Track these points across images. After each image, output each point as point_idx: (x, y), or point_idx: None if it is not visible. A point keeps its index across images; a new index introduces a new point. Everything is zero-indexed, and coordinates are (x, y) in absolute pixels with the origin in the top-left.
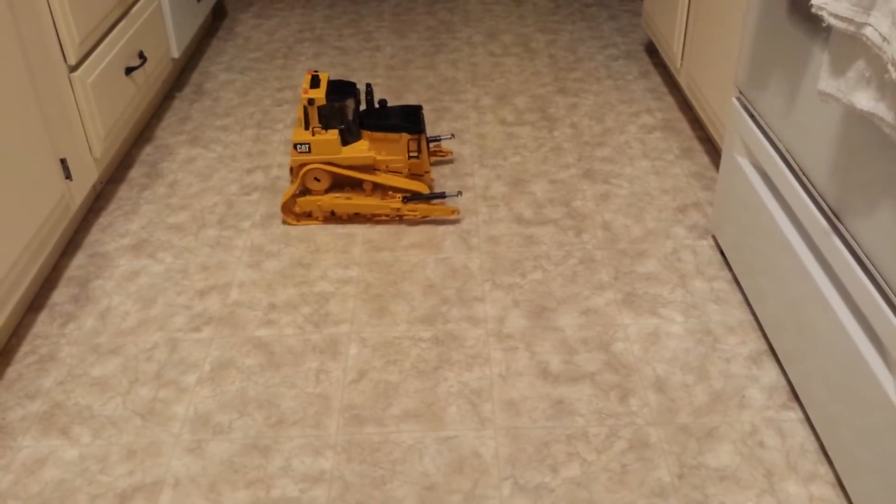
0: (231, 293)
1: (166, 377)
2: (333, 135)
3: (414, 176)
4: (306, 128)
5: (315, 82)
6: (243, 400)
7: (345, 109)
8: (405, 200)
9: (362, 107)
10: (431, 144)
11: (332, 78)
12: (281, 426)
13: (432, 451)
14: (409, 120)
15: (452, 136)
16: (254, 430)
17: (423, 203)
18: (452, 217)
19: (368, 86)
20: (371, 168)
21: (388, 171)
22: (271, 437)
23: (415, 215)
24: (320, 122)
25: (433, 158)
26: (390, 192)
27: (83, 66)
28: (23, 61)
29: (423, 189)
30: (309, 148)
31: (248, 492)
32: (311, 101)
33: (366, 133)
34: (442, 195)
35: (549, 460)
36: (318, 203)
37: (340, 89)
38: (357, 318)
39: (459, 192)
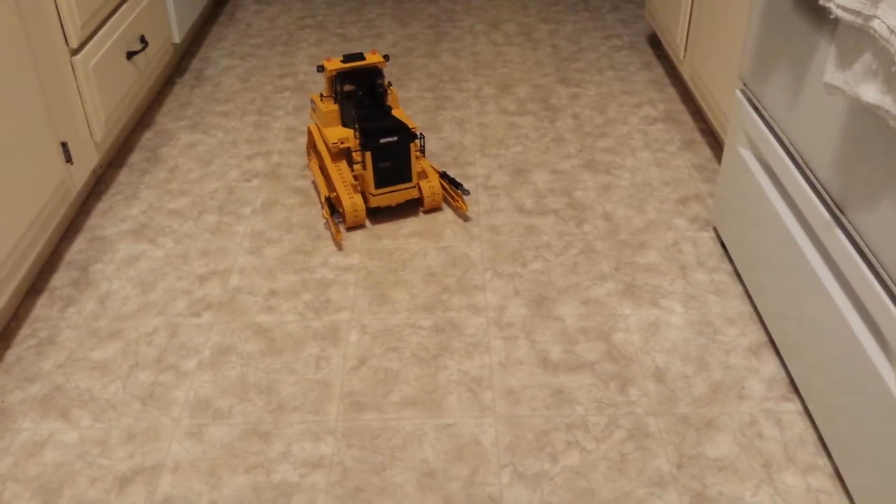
0: (231, 279)
1: (166, 361)
2: (331, 107)
3: (359, 189)
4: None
5: (353, 58)
6: (243, 385)
7: (353, 93)
8: (326, 199)
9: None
10: (452, 189)
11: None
12: (281, 412)
13: (432, 437)
14: (373, 134)
15: (468, 192)
16: (254, 415)
17: (328, 214)
18: (337, 241)
19: (382, 85)
20: (337, 156)
21: (352, 168)
22: (271, 422)
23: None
24: (333, 93)
25: (446, 197)
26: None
27: (85, 49)
28: (25, 44)
29: (349, 203)
30: (314, 108)
31: (247, 476)
32: (319, 68)
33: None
34: (460, 185)
35: (548, 448)
36: (312, 161)
37: (365, 75)
38: (357, 305)
39: (468, 192)
